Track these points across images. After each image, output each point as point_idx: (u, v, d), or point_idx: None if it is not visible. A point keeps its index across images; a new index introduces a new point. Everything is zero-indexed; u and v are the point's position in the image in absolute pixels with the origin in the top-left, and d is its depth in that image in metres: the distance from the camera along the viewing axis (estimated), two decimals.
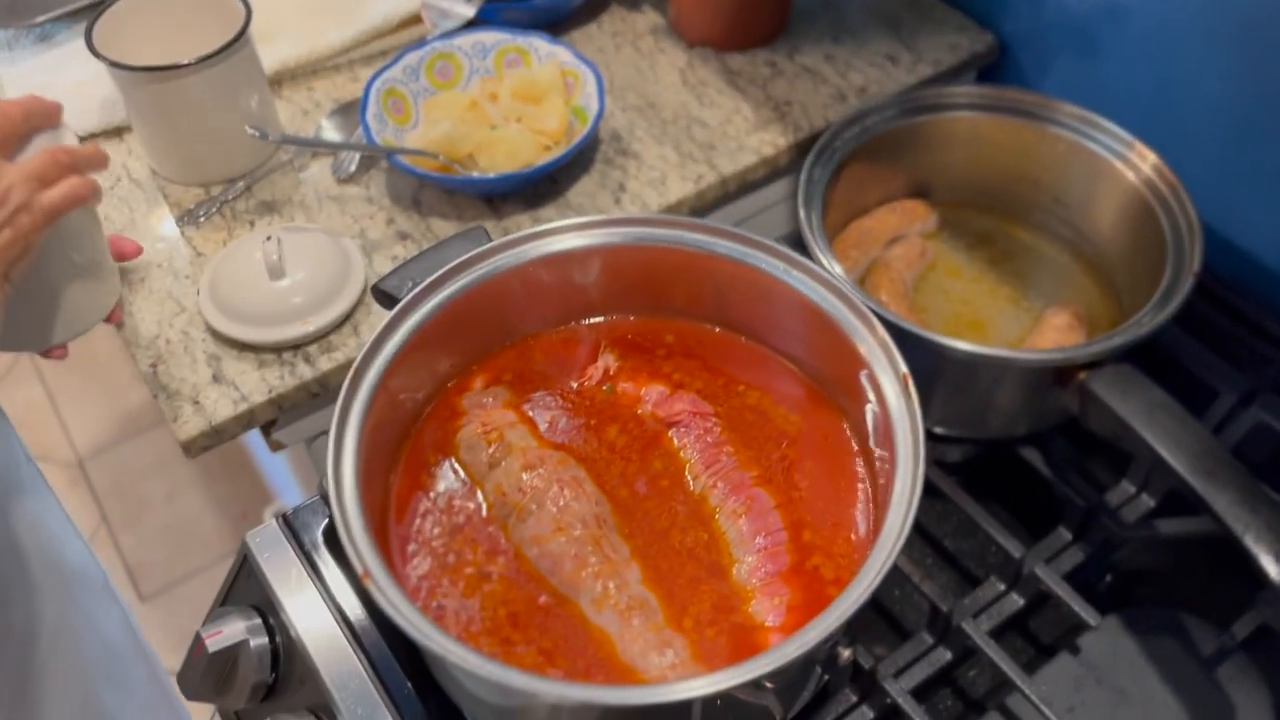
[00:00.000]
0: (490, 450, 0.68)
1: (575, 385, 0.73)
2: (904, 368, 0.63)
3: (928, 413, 0.70)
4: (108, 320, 0.79)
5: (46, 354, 0.77)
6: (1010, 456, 0.81)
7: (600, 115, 0.94)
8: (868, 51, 1.09)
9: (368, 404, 0.64)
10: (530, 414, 0.71)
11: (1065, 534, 0.77)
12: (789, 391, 0.72)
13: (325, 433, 0.92)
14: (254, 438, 1.63)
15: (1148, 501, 0.79)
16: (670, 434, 0.70)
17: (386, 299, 0.69)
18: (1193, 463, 0.64)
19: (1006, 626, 0.74)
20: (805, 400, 0.72)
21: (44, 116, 0.69)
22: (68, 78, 1.05)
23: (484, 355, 0.74)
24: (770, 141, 1.01)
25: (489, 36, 1.00)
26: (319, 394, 0.86)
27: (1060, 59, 1.04)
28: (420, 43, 1.00)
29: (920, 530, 0.82)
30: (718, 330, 0.75)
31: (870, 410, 0.66)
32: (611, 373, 0.73)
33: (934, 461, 0.81)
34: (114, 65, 0.89)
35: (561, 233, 0.71)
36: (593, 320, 0.76)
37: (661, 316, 0.76)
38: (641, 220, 0.71)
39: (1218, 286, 0.86)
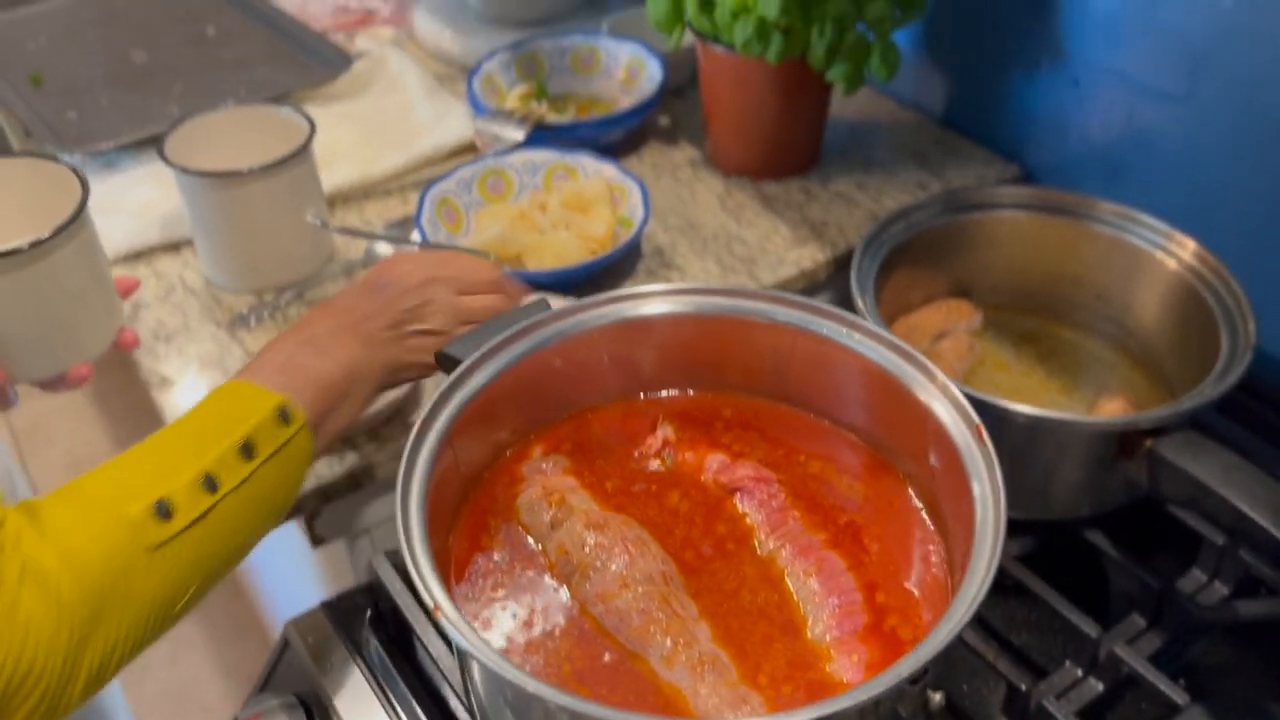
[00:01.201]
0: (552, 512, 0.67)
1: (635, 454, 0.72)
2: (975, 417, 0.63)
3: None
4: (120, 346, 0.83)
5: (57, 386, 0.78)
6: (1072, 543, 0.79)
7: (646, 220, 0.98)
8: (898, 180, 1.14)
9: (433, 456, 0.63)
10: (590, 480, 0.70)
11: (1139, 620, 0.74)
12: (850, 460, 0.71)
13: (368, 531, 0.90)
14: (268, 584, 1.59)
15: (1221, 589, 0.76)
16: (734, 499, 0.69)
17: (450, 362, 0.70)
18: (1278, 517, 0.62)
19: (1087, 714, 0.70)
20: (867, 468, 0.71)
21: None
22: (131, 199, 1.09)
23: (542, 426, 0.74)
24: (809, 256, 1.04)
25: (539, 155, 1.05)
26: (365, 484, 0.85)
27: (1087, 184, 1.08)
28: (474, 160, 1.04)
29: (983, 624, 0.79)
30: (775, 404, 0.75)
31: (936, 465, 0.65)
32: (671, 442, 0.73)
33: None
34: (183, 170, 0.93)
35: (621, 300, 0.72)
36: (649, 395, 0.76)
37: (718, 391, 0.76)
38: (703, 289, 0.72)
39: (1259, 384, 0.86)
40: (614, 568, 0.63)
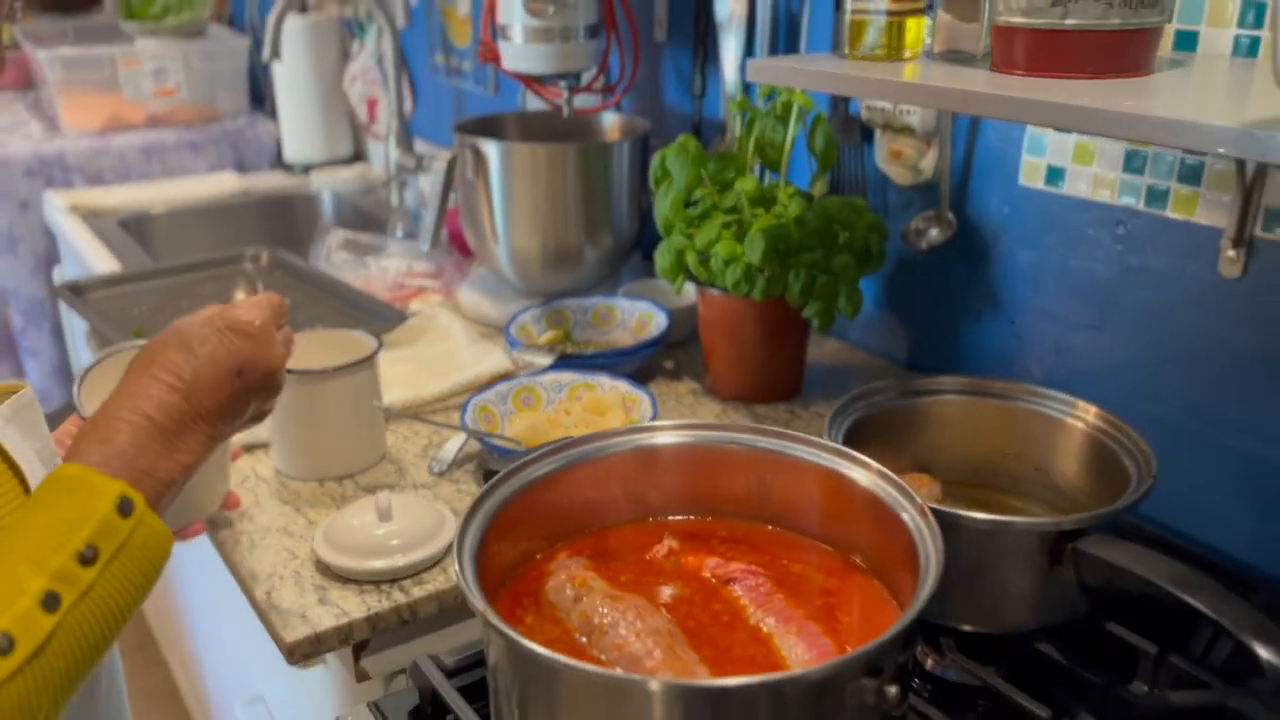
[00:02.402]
0: (575, 590, 0.80)
1: (645, 557, 0.86)
2: (919, 499, 0.78)
3: (948, 609, 0.87)
4: (226, 507, 1.02)
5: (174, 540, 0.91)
6: (1027, 653, 0.90)
7: (654, 419, 1.16)
8: None
9: (482, 528, 0.77)
10: (607, 574, 0.83)
11: (1088, 718, 0.84)
12: (824, 563, 0.85)
13: (403, 671, 1.01)
14: None
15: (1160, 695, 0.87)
16: (728, 587, 0.82)
17: (492, 475, 0.85)
18: (1176, 581, 0.75)
19: None
20: (839, 568, 0.85)
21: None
22: None
23: (565, 540, 0.88)
24: None
25: (564, 376, 1.25)
26: (409, 621, 0.97)
27: None
28: (510, 378, 1.24)
29: None
30: (761, 526, 0.89)
31: (891, 548, 0.79)
32: (675, 550, 0.87)
33: (961, 667, 0.89)
34: None
35: (634, 433, 0.89)
36: (656, 519, 0.90)
37: (715, 517, 0.90)
38: (700, 425, 0.89)
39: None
40: (627, 625, 0.75)
